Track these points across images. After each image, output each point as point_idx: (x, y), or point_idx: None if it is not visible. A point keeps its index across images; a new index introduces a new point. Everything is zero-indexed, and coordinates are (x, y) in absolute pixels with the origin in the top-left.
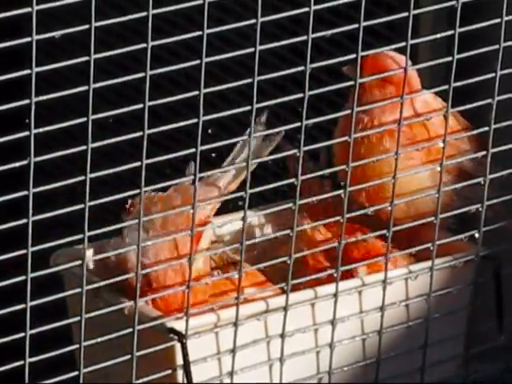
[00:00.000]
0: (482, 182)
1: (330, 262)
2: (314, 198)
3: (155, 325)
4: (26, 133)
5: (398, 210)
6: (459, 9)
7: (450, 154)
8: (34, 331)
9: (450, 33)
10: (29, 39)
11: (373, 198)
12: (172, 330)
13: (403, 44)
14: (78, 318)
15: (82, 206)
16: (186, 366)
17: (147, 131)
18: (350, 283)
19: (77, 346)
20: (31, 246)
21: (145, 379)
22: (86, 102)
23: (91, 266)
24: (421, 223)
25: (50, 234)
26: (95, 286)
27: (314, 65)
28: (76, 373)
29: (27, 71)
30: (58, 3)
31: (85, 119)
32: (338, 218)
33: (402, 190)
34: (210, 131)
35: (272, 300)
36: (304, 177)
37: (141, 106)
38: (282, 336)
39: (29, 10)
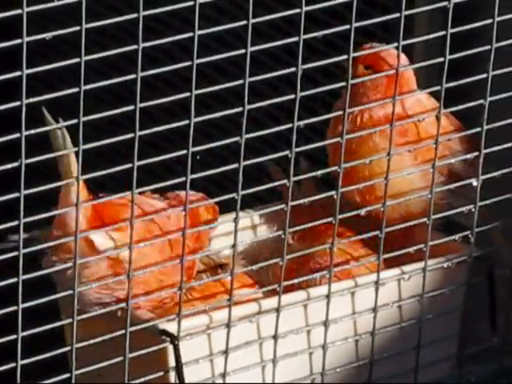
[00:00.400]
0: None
1: None
2: (307, 200)
3: (147, 327)
4: (17, 135)
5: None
6: (451, 9)
7: (441, 153)
8: (25, 333)
9: (441, 33)
10: (19, 41)
11: (363, 192)
12: (164, 332)
13: (395, 45)
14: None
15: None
16: (179, 368)
17: (139, 132)
18: (343, 284)
19: (68, 348)
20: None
21: (137, 381)
22: (78, 102)
23: None
24: (410, 222)
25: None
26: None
27: (306, 66)
28: (68, 375)
29: (18, 73)
30: (48, 5)
31: (76, 121)
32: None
33: (391, 185)
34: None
35: (264, 301)
36: (295, 178)
37: (132, 107)
38: (275, 337)
39: (19, 11)
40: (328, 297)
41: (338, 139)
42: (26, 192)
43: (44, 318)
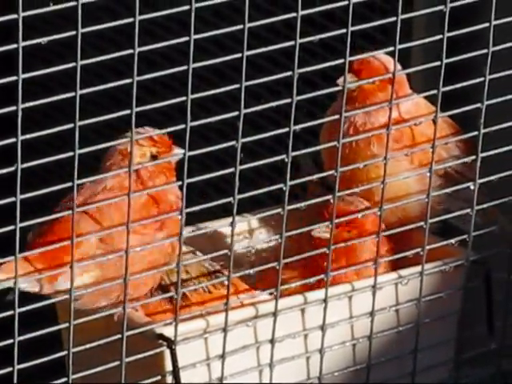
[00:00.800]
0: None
1: None
2: (303, 204)
3: (144, 331)
4: (13, 139)
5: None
6: (447, 14)
7: (438, 154)
8: (22, 338)
9: (438, 37)
10: (15, 46)
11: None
12: (161, 336)
13: (392, 48)
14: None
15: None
16: (175, 372)
17: (135, 137)
18: (340, 288)
19: (65, 352)
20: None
21: None
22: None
23: None
24: (407, 223)
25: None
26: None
27: (302, 70)
28: (65, 379)
29: (14, 78)
30: (44, 10)
31: (72, 125)
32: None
33: (388, 189)
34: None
35: (261, 306)
36: (292, 182)
37: (128, 111)
38: (272, 341)
39: (15, 16)
40: (325, 301)
41: (335, 143)
42: (22, 197)
43: (41, 321)
